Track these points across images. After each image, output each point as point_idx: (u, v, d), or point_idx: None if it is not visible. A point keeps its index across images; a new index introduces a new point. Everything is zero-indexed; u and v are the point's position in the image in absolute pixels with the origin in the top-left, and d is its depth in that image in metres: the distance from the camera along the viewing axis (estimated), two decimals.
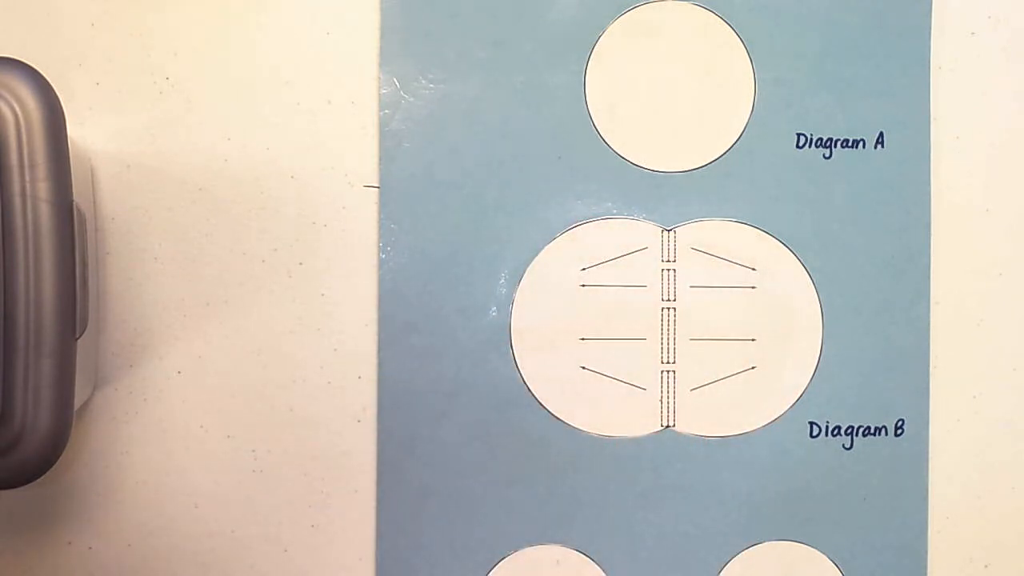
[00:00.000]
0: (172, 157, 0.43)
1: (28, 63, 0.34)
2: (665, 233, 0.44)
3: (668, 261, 0.44)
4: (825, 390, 0.44)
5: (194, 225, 0.43)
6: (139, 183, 0.43)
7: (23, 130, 0.32)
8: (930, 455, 0.44)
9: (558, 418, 0.44)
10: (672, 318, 0.44)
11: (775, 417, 0.44)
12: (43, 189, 0.33)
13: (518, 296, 0.44)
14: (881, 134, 0.44)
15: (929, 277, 0.44)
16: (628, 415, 0.44)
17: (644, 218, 0.44)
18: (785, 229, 0.44)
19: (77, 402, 0.35)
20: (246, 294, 0.43)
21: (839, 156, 0.44)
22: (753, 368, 0.44)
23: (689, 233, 0.44)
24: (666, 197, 0.44)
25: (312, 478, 0.44)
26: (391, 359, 0.43)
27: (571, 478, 0.44)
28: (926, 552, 0.44)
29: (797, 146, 0.44)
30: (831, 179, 0.44)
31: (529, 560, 0.44)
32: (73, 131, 0.35)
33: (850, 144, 0.44)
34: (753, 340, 0.44)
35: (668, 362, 0.44)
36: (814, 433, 0.44)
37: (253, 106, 0.43)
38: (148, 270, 0.43)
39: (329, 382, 0.44)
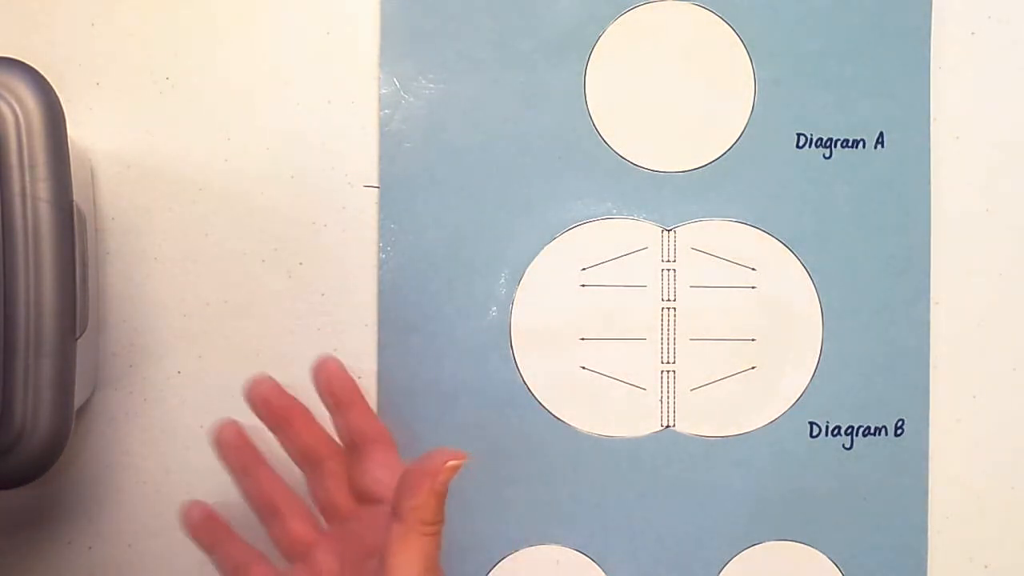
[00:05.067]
0: (172, 157, 0.43)
1: (28, 63, 0.34)
2: (665, 233, 0.44)
3: (668, 261, 0.44)
4: (825, 390, 0.44)
5: (194, 225, 0.43)
6: (139, 183, 0.43)
7: (23, 130, 0.32)
8: (930, 455, 0.44)
9: (558, 418, 0.44)
10: (672, 318, 0.44)
11: (775, 417, 0.44)
12: (43, 189, 0.33)
13: (518, 296, 0.44)
14: (881, 134, 0.44)
15: (929, 277, 0.44)
16: (628, 415, 0.44)
17: (644, 218, 0.44)
18: (785, 229, 0.44)
19: (77, 402, 0.35)
20: (246, 294, 0.43)
21: (839, 156, 0.44)
22: (753, 368, 0.44)
23: (689, 233, 0.44)
24: (666, 197, 0.44)
25: None
26: (391, 359, 0.43)
27: (571, 478, 0.44)
28: (926, 552, 0.44)
29: (797, 146, 0.44)
30: (831, 179, 0.44)
31: (529, 560, 0.44)
32: (73, 131, 0.35)
33: (850, 144, 0.44)
34: (753, 340, 0.44)
35: (668, 362, 0.44)
36: (814, 433, 0.44)
37: (253, 106, 0.43)
38: (148, 270, 0.43)
39: None
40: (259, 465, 0.39)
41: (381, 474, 0.38)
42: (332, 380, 0.40)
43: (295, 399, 0.40)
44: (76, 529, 0.43)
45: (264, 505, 0.39)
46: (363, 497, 0.38)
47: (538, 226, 0.44)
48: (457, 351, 0.44)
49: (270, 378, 0.40)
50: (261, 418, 0.39)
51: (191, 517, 0.39)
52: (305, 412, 0.39)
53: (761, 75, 0.44)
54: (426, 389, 0.43)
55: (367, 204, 0.44)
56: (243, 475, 0.39)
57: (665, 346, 0.44)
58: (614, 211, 0.44)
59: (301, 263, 0.43)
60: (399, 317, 0.43)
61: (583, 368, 0.44)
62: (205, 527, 0.39)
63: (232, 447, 0.39)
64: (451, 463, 0.32)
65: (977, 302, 0.45)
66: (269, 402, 0.39)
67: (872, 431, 0.44)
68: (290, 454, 0.40)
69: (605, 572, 0.44)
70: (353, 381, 0.40)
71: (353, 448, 0.39)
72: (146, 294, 0.43)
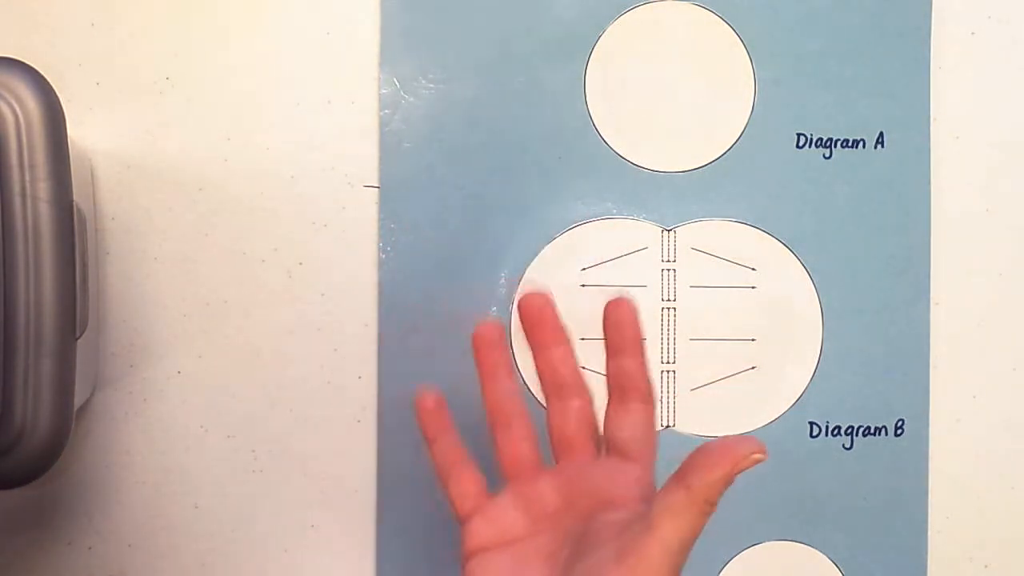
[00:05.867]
0: (172, 157, 0.43)
1: (28, 63, 0.34)
2: (665, 233, 0.44)
3: (668, 261, 0.44)
4: (825, 390, 0.44)
5: (194, 225, 0.43)
6: (139, 183, 0.43)
7: (23, 130, 0.33)
8: (930, 455, 0.44)
9: None
10: (672, 318, 0.44)
11: (775, 417, 0.44)
12: (43, 189, 0.33)
13: (518, 296, 0.44)
14: (881, 134, 0.44)
15: (929, 277, 0.44)
16: None
17: (644, 218, 0.44)
18: (785, 229, 0.44)
19: (77, 402, 0.35)
20: (246, 294, 0.43)
21: (839, 156, 0.44)
22: (753, 368, 0.44)
23: (689, 233, 0.44)
24: (666, 197, 0.44)
25: (312, 478, 0.44)
26: (391, 359, 0.43)
27: None
28: (926, 552, 0.44)
29: (797, 146, 0.44)
30: (831, 179, 0.44)
31: None
32: (73, 131, 0.35)
33: (850, 144, 0.44)
34: (753, 340, 0.44)
35: (668, 362, 0.44)
36: (814, 433, 0.44)
37: (253, 106, 0.43)
38: (148, 270, 0.43)
39: (329, 382, 0.44)
40: (508, 372, 0.38)
41: (637, 432, 0.37)
42: (625, 324, 0.38)
43: (565, 326, 0.39)
44: (76, 529, 0.43)
45: (499, 413, 0.38)
46: (610, 447, 0.37)
47: (538, 226, 0.44)
48: (457, 351, 0.43)
49: (548, 295, 0.38)
50: (529, 331, 0.38)
51: (425, 403, 0.38)
52: (570, 342, 0.39)
53: (761, 75, 0.44)
54: None
55: (367, 204, 0.44)
56: (489, 376, 0.38)
57: (665, 346, 0.44)
58: (614, 211, 0.44)
59: (301, 263, 0.44)
60: (399, 317, 0.43)
61: (583, 368, 0.44)
62: (434, 416, 0.38)
63: (489, 343, 0.38)
64: (756, 455, 0.32)
65: (977, 302, 0.45)
66: (544, 319, 0.38)
67: (872, 431, 0.44)
68: (542, 380, 0.39)
69: None
70: (641, 331, 0.39)
71: (618, 395, 0.38)
72: (146, 294, 0.43)
